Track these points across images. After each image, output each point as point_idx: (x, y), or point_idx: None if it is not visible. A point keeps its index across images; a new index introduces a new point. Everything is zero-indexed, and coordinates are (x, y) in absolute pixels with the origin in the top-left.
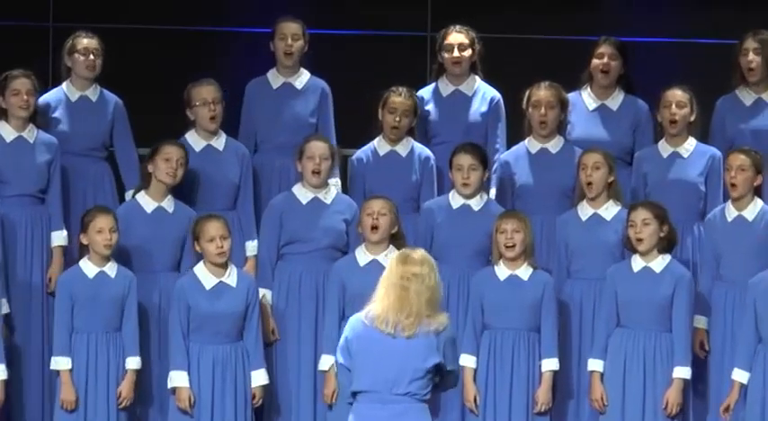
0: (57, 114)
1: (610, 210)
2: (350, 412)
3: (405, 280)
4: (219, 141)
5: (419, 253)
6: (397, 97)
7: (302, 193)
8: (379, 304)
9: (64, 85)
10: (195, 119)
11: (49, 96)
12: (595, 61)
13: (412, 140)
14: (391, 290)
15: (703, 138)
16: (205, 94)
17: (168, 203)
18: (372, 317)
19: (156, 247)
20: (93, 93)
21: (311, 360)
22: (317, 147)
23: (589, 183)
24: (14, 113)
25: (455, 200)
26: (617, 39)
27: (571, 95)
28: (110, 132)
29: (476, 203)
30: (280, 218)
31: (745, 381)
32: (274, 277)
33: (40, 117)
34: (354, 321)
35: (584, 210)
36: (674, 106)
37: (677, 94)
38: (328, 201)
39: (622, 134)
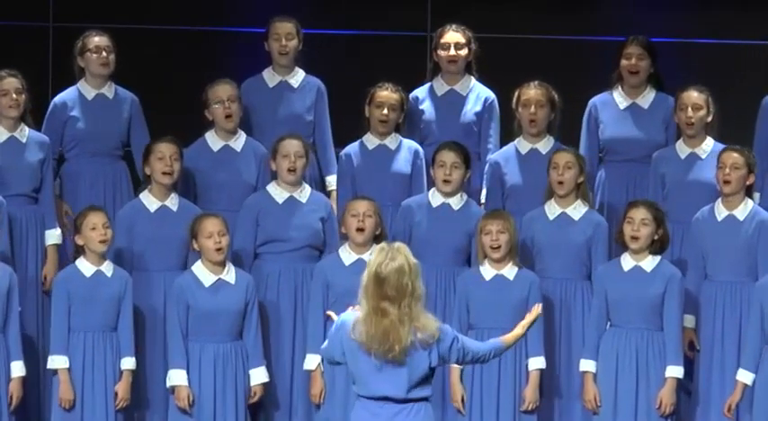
0: (74, 113)
1: (578, 209)
2: (352, 412)
3: (384, 303)
4: (238, 142)
5: (395, 258)
6: (384, 91)
7: (277, 193)
8: (363, 329)
9: (79, 84)
10: (213, 118)
11: (64, 96)
12: (624, 62)
13: (400, 136)
14: (371, 318)
15: (721, 137)
16: (221, 93)
17: (172, 202)
18: (360, 342)
19: (162, 246)
20: (109, 90)
21: (289, 359)
22: (292, 146)
23: (560, 183)
24: (5, 114)
25: (435, 198)
26: (645, 37)
27: (602, 96)
28: (127, 129)
29: (456, 202)
30: (256, 217)
31: (749, 382)
32: (251, 276)
33: (57, 116)
34: (345, 327)
35: (552, 209)
36: (690, 109)
37: (693, 96)
38: (304, 200)
39: (655, 132)
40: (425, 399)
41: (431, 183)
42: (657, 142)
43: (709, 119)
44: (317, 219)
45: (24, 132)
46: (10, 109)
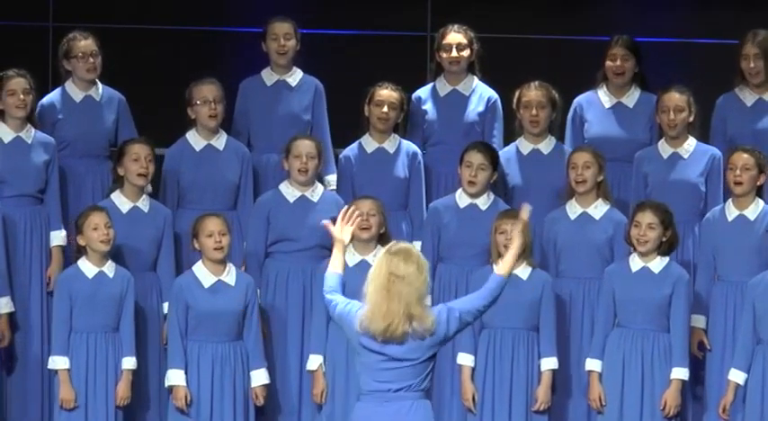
0: (62, 116)
1: (599, 208)
2: (351, 413)
3: (390, 281)
4: (220, 141)
5: (409, 250)
6: (384, 90)
7: (289, 192)
8: (369, 311)
9: (66, 85)
10: (196, 117)
11: (52, 97)
12: (609, 63)
13: (398, 137)
14: (377, 294)
15: (703, 136)
16: (206, 93)
17: (143, 203)
18: (365, 327)
19: (133, 247)
20: (96, 92)
21: (298, 359)
22: (304, 146)
23: (579, 182)
24: (12, 114)
25: (462, 199)
26: (629, 37)
27: (587, 94)
28: (116, 130)
29: (483, 202)
30: (267, 216)
31: (741, 382)
32: (261, 275)
33: (46, 118)
34: (351, 318)
35: (573, 209)
36: (671, 112)
37: (674, 98)
38: (315, 200)
39: (639, 131)
40: (424, 393)
41: (430, 186)
42: (642, 141)
43: (691, 119)
44: (328, 218)
45: (30, 133)
46: (17, 109)
